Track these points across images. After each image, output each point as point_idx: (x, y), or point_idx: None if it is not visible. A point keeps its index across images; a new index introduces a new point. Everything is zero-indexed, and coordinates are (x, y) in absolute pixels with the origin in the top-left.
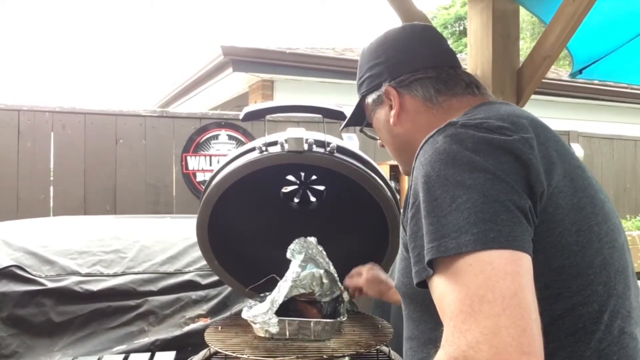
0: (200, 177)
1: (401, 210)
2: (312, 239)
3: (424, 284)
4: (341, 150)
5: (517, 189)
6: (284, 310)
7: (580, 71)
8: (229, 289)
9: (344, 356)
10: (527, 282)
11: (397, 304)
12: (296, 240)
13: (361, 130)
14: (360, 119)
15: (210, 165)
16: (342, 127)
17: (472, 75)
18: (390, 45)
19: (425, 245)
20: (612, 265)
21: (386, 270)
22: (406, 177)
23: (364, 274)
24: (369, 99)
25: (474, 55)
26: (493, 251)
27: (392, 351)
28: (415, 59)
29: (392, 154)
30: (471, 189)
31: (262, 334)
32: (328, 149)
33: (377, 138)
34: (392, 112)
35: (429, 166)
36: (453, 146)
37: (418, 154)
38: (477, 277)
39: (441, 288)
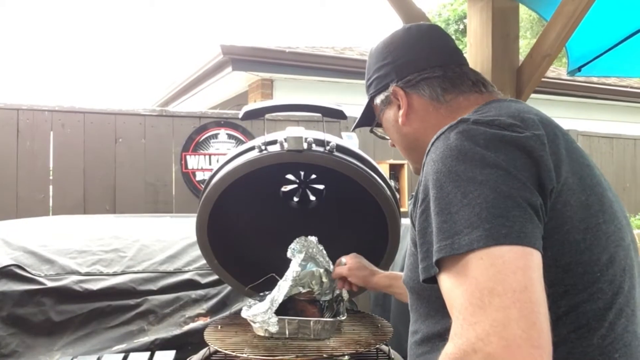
0: (199, 176)
1: (410, 206)
2: (313, 238)
3: (430, 280)
4: (341, 149)
5: (529, 185)
6: (283, 309)
7: (579, 69)
8: (229, 288)
9: (343, 355)
10: (538, 277)
11: (380, 292)
12: (297, 239)
13: (371, 131)
14: (369, 119)
15: (210, 164)
16: (352, 128)
17: (478, 73)
18: (397, 46)
19: (437, 242)
20: (619, 263)
21: (386, 269)
22: (406, 176)
23: (347, 263)
24: (377, 100)
25: (473, 54)
26: (505, 246)
27: (391, 350)
28: (421, 59)
29: (403, 153)
30: (483, 185)
31: (261, 333)
32: (327, 147)
33: (388, 138)
34: (401, 112)
35: (440, 162)
36: (465, 142)
37: (429, 150)
38: (487, 270)
39: (451, 281)
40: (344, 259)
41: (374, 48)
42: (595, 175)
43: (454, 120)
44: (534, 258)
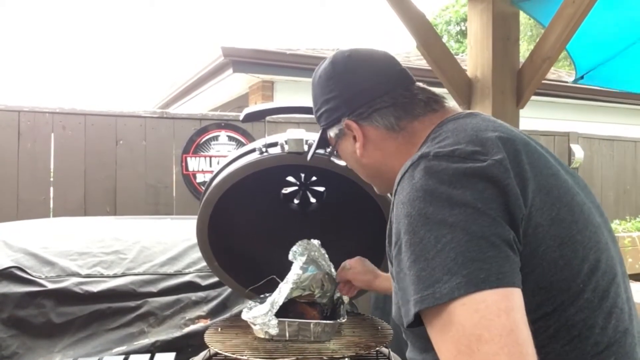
0: (200, 178)
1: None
2: (315, 242)
3: (413, 323)
4: None
5: (499, 220)
6: (283, 311)
7: (582, 77)
8: (229, 290)
9: (343, 357)
10: (521, 317)
11: (380, 294)
12: (299, 242)
13: (329, 159)
14: (325, 147)
15: (211, 166)
16: (308, 157)
17: (427, 90)
18: (341, 77)
19: (418, 291)
20: (600, 268)
21: (385, 271)
22: None
23: (351, 267)
24: (331, 133)
25: (474, 57)
26: (485, 291)
27: (391, 352)
28: (368, 89)
29: (364, 179)
30: (454, 227)
31: (261, 335)
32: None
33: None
34: (358, 144)
35: (409, 205)
36: (429, 181)
37: (396, 190)
38: (472, 316)
39: (436, 329)
40: (348, 263)
41: (317, 78)
42: (562, 183)
43: (414, 148)
44: (515, 297)
